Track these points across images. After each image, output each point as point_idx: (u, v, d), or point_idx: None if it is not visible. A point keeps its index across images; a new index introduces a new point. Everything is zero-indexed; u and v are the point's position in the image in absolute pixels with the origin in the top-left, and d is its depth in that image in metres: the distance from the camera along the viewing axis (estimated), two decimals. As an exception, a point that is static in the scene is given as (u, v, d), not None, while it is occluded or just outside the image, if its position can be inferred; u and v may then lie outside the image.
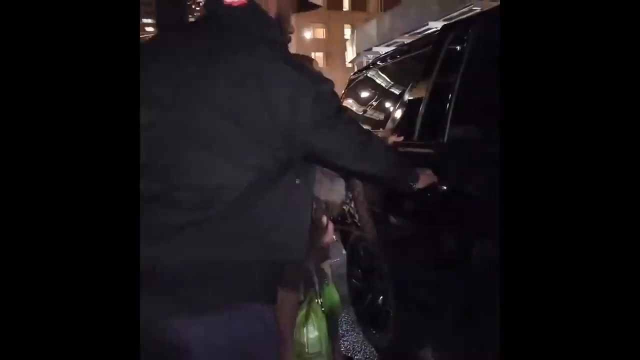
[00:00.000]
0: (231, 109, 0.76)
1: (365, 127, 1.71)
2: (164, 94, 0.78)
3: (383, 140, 1.48)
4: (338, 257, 2.29)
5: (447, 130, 1.43)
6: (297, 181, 0.87)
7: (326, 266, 1.41)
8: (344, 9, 32.30)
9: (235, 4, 0.83)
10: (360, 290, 2.19)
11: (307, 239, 0.93)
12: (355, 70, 5.68)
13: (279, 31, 0.89)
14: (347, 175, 1.18)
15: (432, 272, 1.48)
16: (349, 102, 2.88)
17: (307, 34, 28.68)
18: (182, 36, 0.86)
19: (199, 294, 0.76)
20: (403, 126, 1.65)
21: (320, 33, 31.51)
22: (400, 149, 1.54)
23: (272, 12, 0.88)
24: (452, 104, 1.43)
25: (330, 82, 0.87)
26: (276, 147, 0.80)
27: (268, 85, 0.77)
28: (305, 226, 0.92)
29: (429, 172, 1.28)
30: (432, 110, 1.54)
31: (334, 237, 1.30)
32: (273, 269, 0.86)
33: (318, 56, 32.38)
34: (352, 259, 2.23)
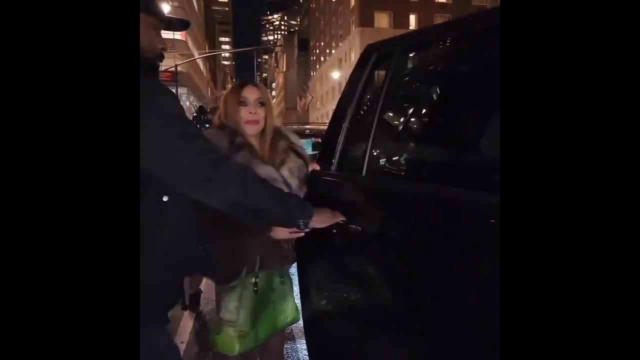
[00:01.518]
0: None
1: None
2: None
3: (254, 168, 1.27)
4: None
5: (366, 162, 1.26)
6: (165, 198, 0.86)
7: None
8: (410, 28, 32.21)
9: None
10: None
11: (192, 256, 0.94)
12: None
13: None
14: (204, 200, 0.96)
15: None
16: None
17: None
18: None
19: None
20: (323, 154, 1.50)
21: (386, 51, 31.68)
22: (320, 179, 1.42)
23: None
24: (372, 134, 1.25)
25: (171, 100, 0.85)
26: None
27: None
28: (183, 243, 0.91)
29: (328, 212, 1.19)
30: (351, 139, 1.40)
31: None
32: (149, 291, 0.82)
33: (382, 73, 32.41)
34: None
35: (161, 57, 0.97)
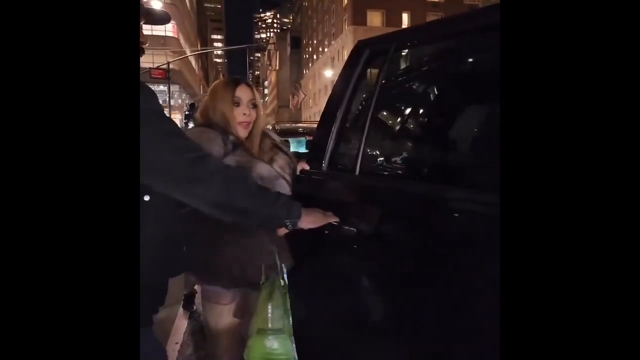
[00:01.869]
0: None
1: None
2: None
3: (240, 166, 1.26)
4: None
5: (359, 161, 1.23)
6: (146, 198, 0.86)
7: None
8: (403, 26, 32.29)
9: None
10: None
11: (177, 257, 0.94)
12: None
13: None
14: (193, 202, 0.95)
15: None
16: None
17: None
18: None
19: None
20: (313, 153, 1.45)
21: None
22: (310, 179, 1.38)
23: None
24: (366, 131, 1.23)
25: (150, 97, 0.83)
26: None
27: None
28: (167, 244, 0.90)
29: (319, 212, 1.14)
30: (343, 138, 1.37)
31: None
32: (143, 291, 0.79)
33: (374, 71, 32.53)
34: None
35: (141, 52, 0.94)
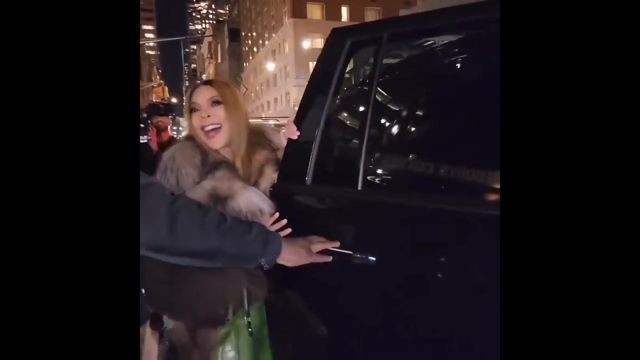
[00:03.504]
0: None
1: None
2: None
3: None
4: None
5: (361, 173, 1.02)
6: None
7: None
8: (342, 20, 32.59)
9: None
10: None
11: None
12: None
13: None
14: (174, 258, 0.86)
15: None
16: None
17: (306, 44, 28.83)
18: None
19: None
20: (290, 165, 1.19)
21: (319, 43, 31.80)
22: (290, 197, 1.16)
23: None
24: (366, 138, 1.03)
25: None
26: None
27: None
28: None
29: (304, 245, 0.96)
30: (332, 146, 1.16)
31: None
32: None
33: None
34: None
35: None
